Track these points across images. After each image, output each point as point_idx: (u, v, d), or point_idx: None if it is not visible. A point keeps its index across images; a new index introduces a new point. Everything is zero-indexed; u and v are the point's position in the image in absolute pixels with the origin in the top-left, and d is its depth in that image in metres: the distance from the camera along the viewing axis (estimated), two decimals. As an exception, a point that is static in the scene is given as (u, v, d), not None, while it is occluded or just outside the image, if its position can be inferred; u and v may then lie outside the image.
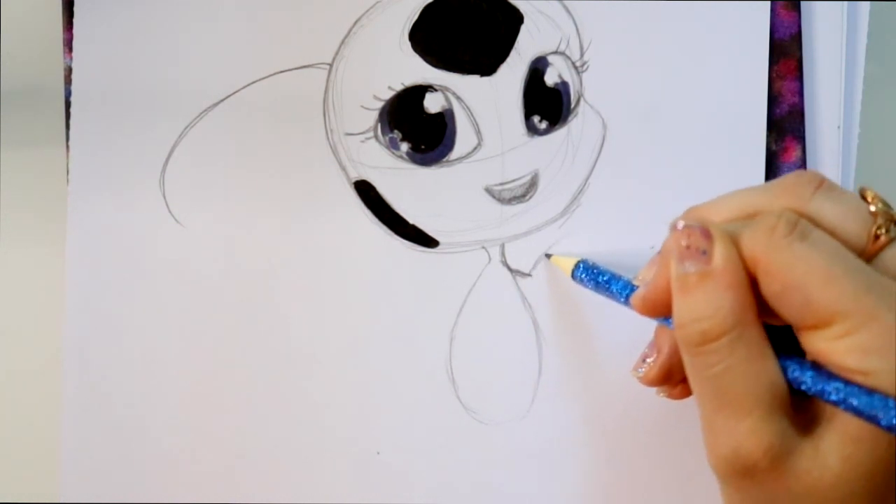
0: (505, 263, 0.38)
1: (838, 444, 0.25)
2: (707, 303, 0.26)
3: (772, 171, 0.37)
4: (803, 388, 0.26)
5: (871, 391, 0.24)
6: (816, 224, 0.26)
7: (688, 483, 0.37)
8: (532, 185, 0.37)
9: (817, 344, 0.25)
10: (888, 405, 0.24)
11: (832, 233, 0.26)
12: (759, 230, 0.26)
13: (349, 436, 0.38)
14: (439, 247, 0.37)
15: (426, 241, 0.37)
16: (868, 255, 0.27)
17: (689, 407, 0.37)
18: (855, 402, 0.24)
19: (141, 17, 0.37)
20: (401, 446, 0.38)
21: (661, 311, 0.29)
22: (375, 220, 0.37)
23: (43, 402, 0.39)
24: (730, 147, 0.37)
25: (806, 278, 0.25)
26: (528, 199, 0.37)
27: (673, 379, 0.31)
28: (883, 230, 0.27)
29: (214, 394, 0.37)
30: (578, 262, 0.35)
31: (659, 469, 0.37)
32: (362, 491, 0.38)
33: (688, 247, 0.26)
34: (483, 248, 0.38)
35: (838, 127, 0.37)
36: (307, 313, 0.37)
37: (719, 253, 0.26)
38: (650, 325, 0.36)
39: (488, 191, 0.37)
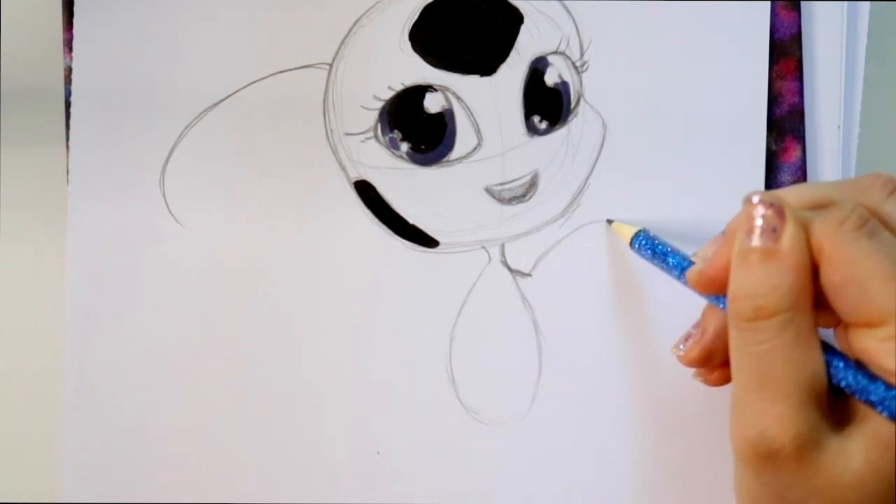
0: (505, 263, 0.38)
1: (866, 447, 0.25)
2: (767, 280, 0.26)
3: (772, 171, 0.37)
4: (843, 385, 0.26)
5: None
6: (886, 226, 0.27)
7: (688, 482, 0.37)
8: (532, 185, 0.37)
9: (865, 342, 0.26)
10: None
11: None
12: (829, 219, 0.26)
13: (349, 436, 0.38)
14: (439, 247, 0.37)
15: (426, 241, 0.37)
16: None
17: (689, 407, 0.37)
18: (894, 406, 0.24)
19: (141, 17, 0.37)
20: (401, 446, 0.38)
21: (716, 288, 0.29)
22: (375, 220, 0.37)
23: (43, 402, 0.39)
24: (730, 147, 0.37)
25: (867, 274, 0.25)
26: (528, 199, 0.37)
27: (713, 361, 0.31)
28: None
29: (214, 394, 0.37)
30: (639, 230, 0.35)
31: (659, 469, 0.37)
32: (362, 491, 0.37)
33: (759, 222, 0.27)
34: (483, 248, 0.38)
35: (838, 127, 0.37)
36: (307, 313, 0.37)
37: (789, 233, 0.26)
38: (651, 326, 0.36)
39: (488, 191, 0.37)
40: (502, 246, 0.38)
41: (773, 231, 0.26)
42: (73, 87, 0.37)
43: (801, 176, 0.37)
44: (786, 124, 0.37)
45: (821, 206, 0.28)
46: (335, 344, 0.37)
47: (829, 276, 0.26)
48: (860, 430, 0.25)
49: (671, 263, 0.32)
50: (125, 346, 0.37)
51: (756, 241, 0.27)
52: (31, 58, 0.40)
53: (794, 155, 0.37)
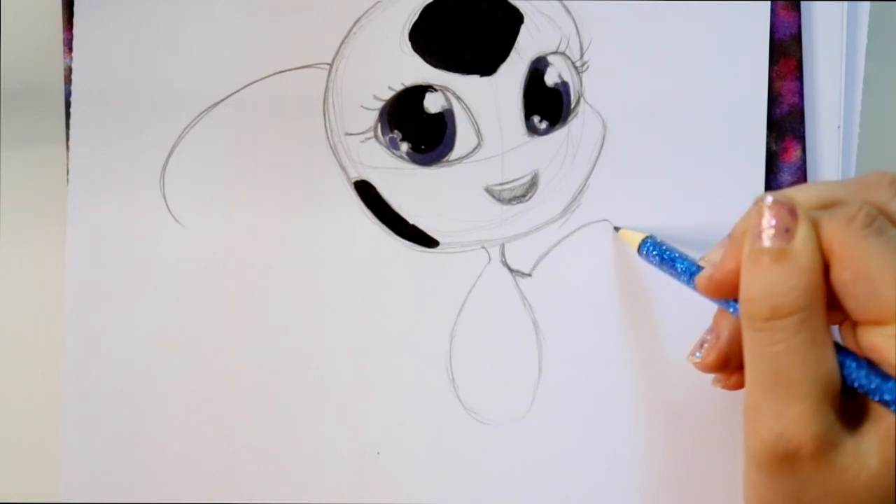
0: (505, 263, 0.38)
1: (880, 446, 0.25)
2: (783, 279, 0.26)
3: (772, 171, 0.37)
4: (856, 384, 0.26)
5: None
6: (894, 224, 0.27)
7: (689, 482, 0.37)
8: (532, 185, 0.37)
9: (875, 339, 0.26)
10: None
11: None
12: (838, 218, 0.26)
13: (349, 436, 0.38)
14: (439, 247, 0.37)
15: (426, 241, 0.37)
16: None
17: (690, 407, 0.37)
18: None
19: (141, 17, 0.37)
20: (401, 446, 0.38)
21: (726, 293, 0.29)
22: (375, 220, 0.37)
23: (43, 402, 0.39)
24: (730, 147, 0.37)
25: (877, 272, 0.25)
26: (528, 199, 0.37)
27: (730, 366, 0.31)
28: None
29: (214, 394, 0.37)
30: (646, 237, 0.35)
31: (659, 469, 0.37)
32: (362, 491, 0.37)
33: (773, 222, 0.27)
34: (483, 248, 0.38)
35: (838, 127, 0.37)
36: (307, 313, 0.37)
37: (802, 233, 0.26)
38: (651, 326, 0.36)
39: (488, 191, 0.37)
40: (502, 246, 0.38)
41: (786, 231, 0.26)
42: (73, 87, 0.37)
43: (801, 176, 0.37)
44: (786, 124, 0.37)
45: (828, 206, 0.28)
46: (335, 344, 0.37)
47: (839, 275, 0.26)
48: (874, 429, 0.25)
49: (679, 269, 0.32)
50: (125, 345, 0.37)
51: (769, 241, 0.26)
52: (31, 58, 0.40)
53: (794, 155, 0.37)
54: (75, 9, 0.37)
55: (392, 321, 0.37)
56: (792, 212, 0.27)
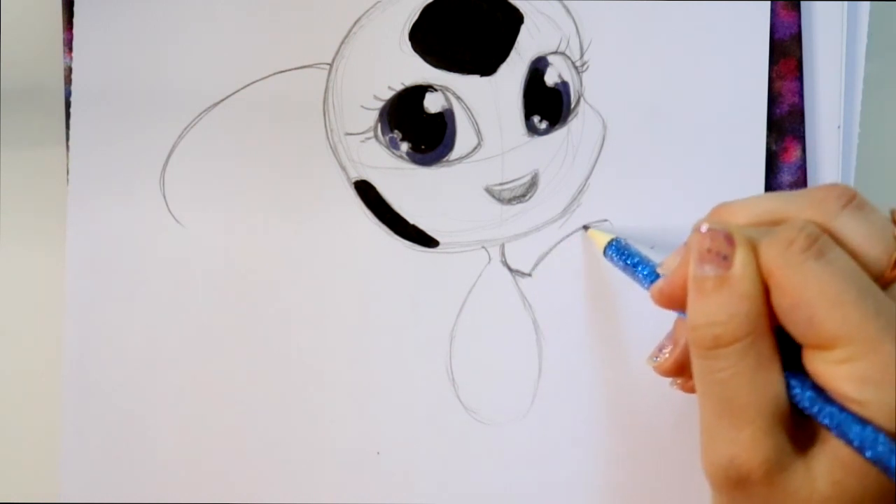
0: (505, 263, 0.38)
1: (829, 468, 0.25)
2: (723, 308, 0.26)
3: (772, 171, 0.37)
4: (801, 406, 0.26)
5: (863, 421, 0.24)
6: (839, 241, 0.26)
7: (687, 482, 0.37)
8: (532, 185, 0.37)
9: (818, 365, 0.25)
10: (877, 439, 0.24)
11: (853, 253, 0.26)
12: (777, 242, 0.26)
13: (349, 436, 0.38)
14: (439, 247, 0.37)
15: (426, 241, 0.37)
16: (886, 281, 0.26)
17: (688, 408, 0.37)
18: (845, 430, 0.24)
19: (141, 17, 0.37)
20: (401, 446, 0.38)
21: (678, 305, 0.29)
22: (375, 220, 0.37)
23: (43, 402, 0.39)
24: (730, 147, 0.37)
25: (814, 298, 0.25)
26: (528, 199, 0.37)
27: (687, 372, 0.31)
28: None
29: (214, 394, 0.37)
30: (612, 239, 0.35)
31: (659, 469, 0.37)
32: (362, 491, 0.38)
33: (709, 250, 0.26)
34: (483, 248, 0.38)
35: (838, 127, 0.37)
36: (307, 313, 0.37)
37: (739, 260, 0.26)
38: (651, 326, 0.36)
39: (488, 191, 0.37)
40: (502, 246, 0.38)
41: (724, 258, 0.26)
42: (73, 87, 0.37)
43: (801, 176, 0.37)
44: (786, 124, 0.37)
45: (775, 222, 0.27)
46: (335, 344, 0.37)
47: (779, 301, 0.26)
48: (823, 452, 0.25)
49: (640, 275, 0.32)
50: (125, 345, 0.37)
51: (708, 269, 0.26)
52: (31, 58, 0.40)
53: (794, 155, 0.37)
54: (75, 9, 0.37)
55: (392, 321, 0.37)
56: (728, 238, 0.26)
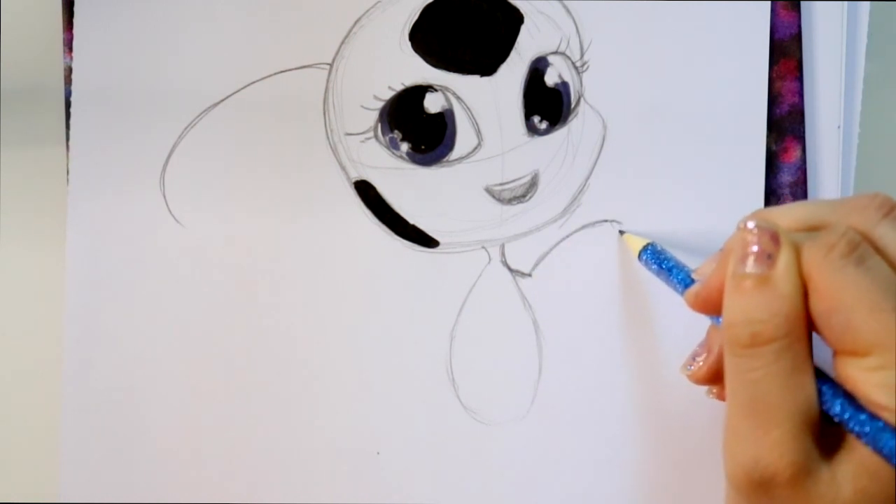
0: (505, 263, 0.38)
1: (854, 475, 0.25)
2: (763, 306, 0.26)
3: (772, 171, 0.37)
4: (831, 413, 0.26)
5: (894, 430, 0.24)
6: (878, 250, 0.26)
7: (688, 484, 0.37)
8: (532, 185, 0.37)
9: (851, 371, 0.25)
10: None
11: (891, 262, 0.26)
12: (818, 245, 0.26)
13: (349, 436, 0.38)
14: (439, 247, 0.37)
15: (426, 241, 0.37)
16: None
17: (688, 408, 0.37)
18: (876, 438, 0.24)
19: (141, 17, 0.37)
20: (401, 446, 0.38)
21: (713, 309, 0.29)
22: (375, 220, 0.37)
23: (43, 402, 0.39)
24: (730, 147, 0.37)
25: (852, 303, 0.25)
26: (528, 199, 0.37)
27: (722, 380, 0.31)
28: None
29: (214, 394, 0.37)
30: (647, 244, 0.35)
31: (659, 469, 0.37)
32: (362, 491, 0.37)
33: (754, 248, 0.26)
34: (483, 248, 0.38)
35: (838, 127, 0.37)
36: (307, 313, 0.37)
37: (784, 260, 0.26)
38: (652, 327, 0.36)
39: (488, 191, 0.37)
40: (502, 246, 0.38)
41: (768, 257, 0.26)
42: (73, 87, 0.37)
43: (801, 176, 0.37)
44: (786, 124, 0.37)
45: (815, 227, 0.28)
46: (335, 344, 0.37)
47: (817, 304, 0.26)
48: (849, 458, 0.25)
49: (675, 280, 0.32)
50: (125, 345, 0.37)
51: (751, 267, 0.26)
52: (31, 58, 0.40)
53: (794, 155, 0.37)
54: (75, 9, 0.37)
55: (392, 321, 0.37)
56: (774, 237, 0.26)
